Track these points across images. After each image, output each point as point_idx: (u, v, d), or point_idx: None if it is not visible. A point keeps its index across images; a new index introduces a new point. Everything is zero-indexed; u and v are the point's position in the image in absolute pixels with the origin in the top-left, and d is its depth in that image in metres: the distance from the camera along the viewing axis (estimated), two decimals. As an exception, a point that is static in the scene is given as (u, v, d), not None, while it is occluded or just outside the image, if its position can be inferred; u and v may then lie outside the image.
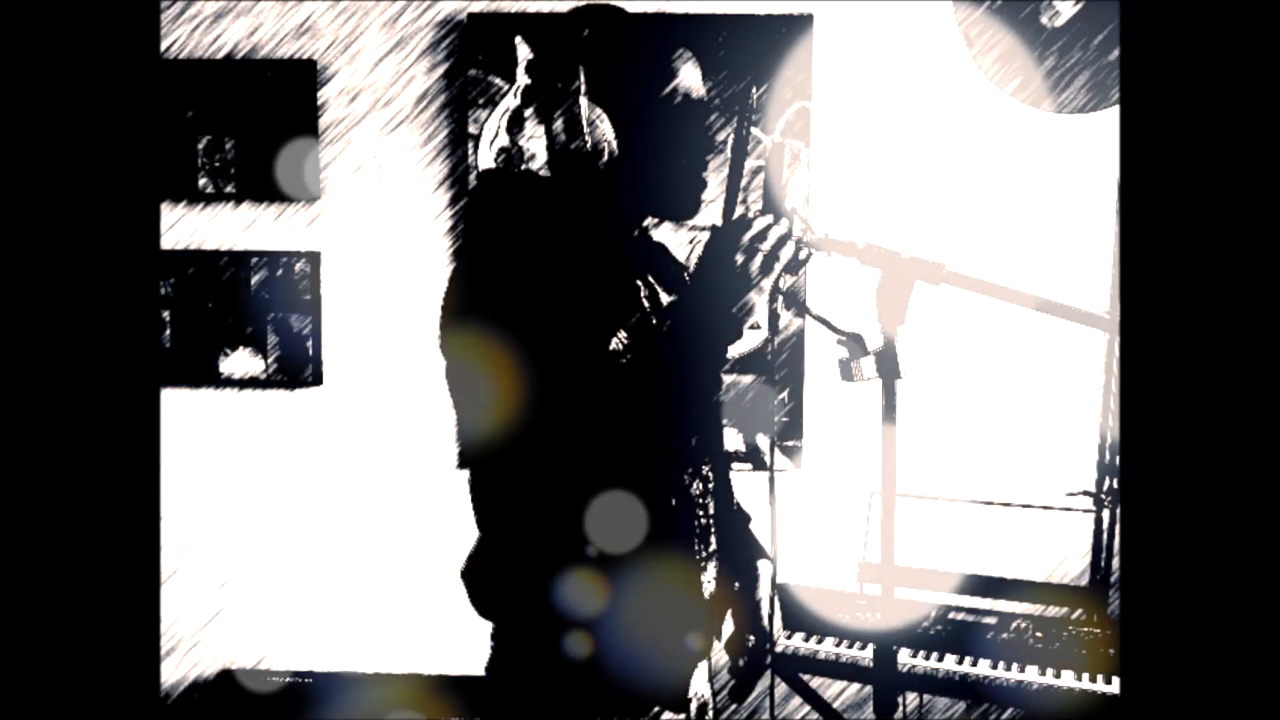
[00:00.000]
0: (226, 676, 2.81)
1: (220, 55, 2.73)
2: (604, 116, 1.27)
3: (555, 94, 1.30)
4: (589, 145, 1.28)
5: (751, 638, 1.45)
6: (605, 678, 1.30)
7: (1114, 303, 2.54)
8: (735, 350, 2.56)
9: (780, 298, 1.24)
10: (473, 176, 2.69)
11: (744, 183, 2.64)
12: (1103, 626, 2.22)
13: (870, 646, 2.24)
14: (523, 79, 2.65)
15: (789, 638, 2.28)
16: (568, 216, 1.32)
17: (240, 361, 2.80)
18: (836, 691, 2.68)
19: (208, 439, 2.83)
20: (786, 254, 1.22)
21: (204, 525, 2.85)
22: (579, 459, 1.23)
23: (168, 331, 2.79)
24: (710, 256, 1.22)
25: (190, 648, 2.88)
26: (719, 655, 1.46)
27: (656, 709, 1.35)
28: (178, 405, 2.82)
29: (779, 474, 2.72)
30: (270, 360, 2.79)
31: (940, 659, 2.18)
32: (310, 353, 2.78)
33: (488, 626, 1.37)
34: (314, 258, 2.76)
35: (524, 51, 2.65)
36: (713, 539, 1.40)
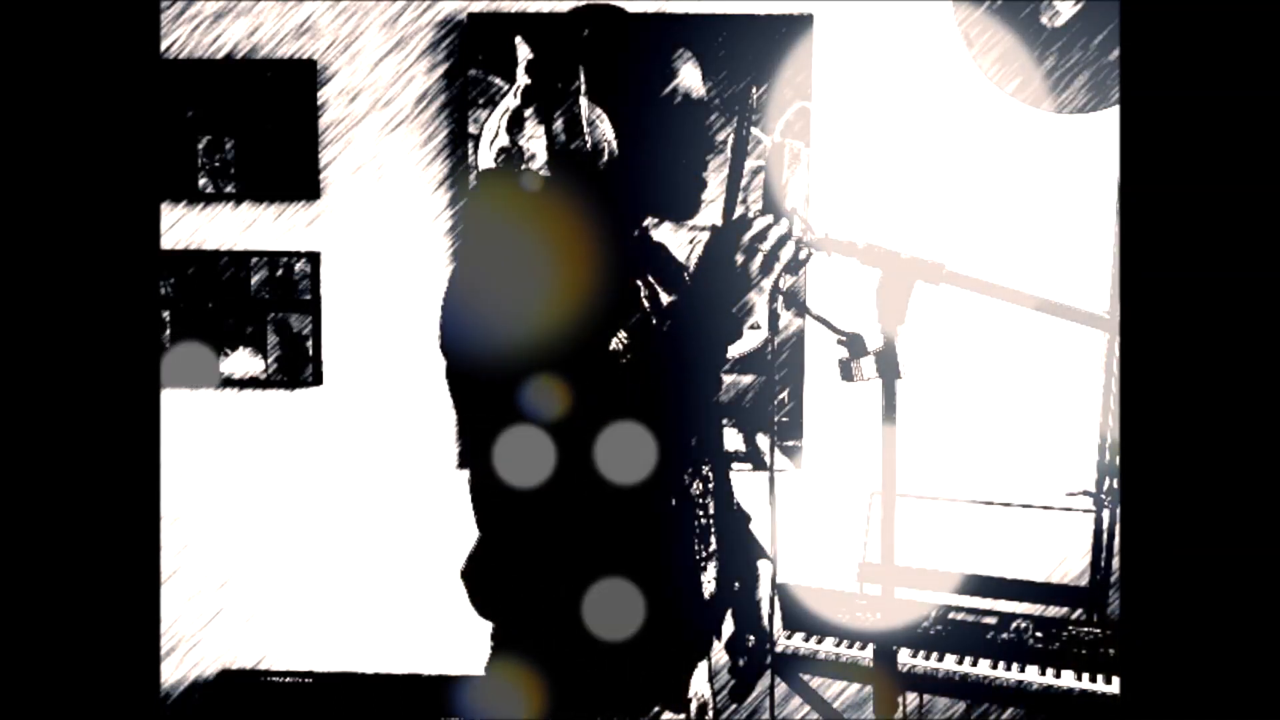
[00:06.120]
0: (226, 676, 2.81)
1: (220, 55, 2.73)
2: (604, 116, 1.27)
3: (555, 94, 1.30)
4: (589, 145, 1.28)
5: (751, 638, 1.45)
6: (605, 678, 1.30)
7: (1114, 303, 2.54)
8: (735, 350, 2.57)
9: (780, 298, 1.24)
10: (472, 177, 2.69)
11: (744, 183, 2.64)
12: (1103, 626, 2.22)
13: (870, 646, 2.24)
14: (523, 79, 2.65)
15: (789, 638, 2.28)
16: (568, 217, 1.32)
17: (240, 361, 2.80)
18: (836, 691, 2.68)
19: (208, 439, 2.83)
20: (786, 254, 1.22)
21: (204, 525, 2.86)
22: (579, 459, 1.23)
23: (168, 331, 2.79)
24: (710, 256, 1.22)
25: (190, 648, 2.88)
26: (719, 655, 1.46)
27: (656, 709, 1.35)
28: (178, 405, 2.82)
29: (779, 474, 2.71)
30: (270, 360, 2.79)
31: (940, 659, 2.18)
32: (310, 353, 2.78)
33: (488, 626, 1.38)
34: (314, 258, 2.76)
35: (524, 51, 2.65)
36: (713, 539, 1.40)
